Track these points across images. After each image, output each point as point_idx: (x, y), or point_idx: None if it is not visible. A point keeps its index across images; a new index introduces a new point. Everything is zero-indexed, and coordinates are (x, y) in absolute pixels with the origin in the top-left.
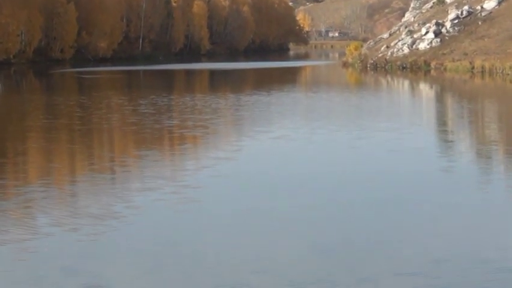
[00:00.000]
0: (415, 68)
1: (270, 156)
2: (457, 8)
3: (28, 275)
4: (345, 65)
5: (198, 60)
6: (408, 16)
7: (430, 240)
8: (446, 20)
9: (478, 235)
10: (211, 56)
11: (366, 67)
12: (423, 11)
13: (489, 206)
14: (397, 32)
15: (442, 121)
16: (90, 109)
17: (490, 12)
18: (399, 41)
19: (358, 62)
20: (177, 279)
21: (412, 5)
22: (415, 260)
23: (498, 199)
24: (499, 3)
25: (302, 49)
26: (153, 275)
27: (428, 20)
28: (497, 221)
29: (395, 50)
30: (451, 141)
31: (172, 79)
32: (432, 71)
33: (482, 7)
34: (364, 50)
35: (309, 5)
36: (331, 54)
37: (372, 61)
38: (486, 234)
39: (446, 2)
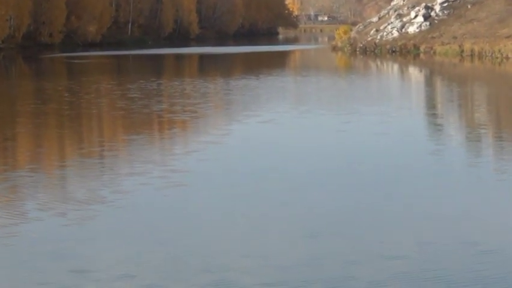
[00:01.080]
0: (404, 51)
1: (258, 141)
2: None
3: (14, 260)
4: (334, 49)
5: (187, 45)
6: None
7: (417, 223)
8: (436, 4)
9: (465, 218)
10: (200, 41)
11: (355, 51)
12: None
13: (477, 189)
14: (387, 15)
15: (431, 104)
16: (79, 94)
17: None
18: (388, 24)
19: (348, 45)
20: (164, 263)
21: None
22: (401, 242)
23: (486, 182)
24: None
25: (291, 33)
26: (140, 259)
27: (418, 4)
28: (484, 204)
29: (384, 33)
30: (440, 125)
31: (162, 64)
32: (421, 55)
33: None
34: (353, 34)
35: None
36: (320, 38)
37: (361, 45)
38: (473, 217)
39: None
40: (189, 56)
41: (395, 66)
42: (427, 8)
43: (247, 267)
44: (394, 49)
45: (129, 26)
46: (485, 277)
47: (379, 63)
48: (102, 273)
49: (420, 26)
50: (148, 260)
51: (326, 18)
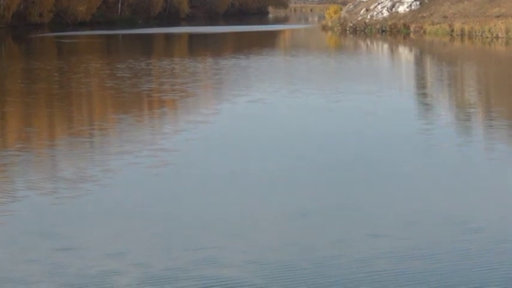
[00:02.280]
0: (394, 31)
1: (247, 120)
2: None
3: (3, 238)
4: (324, 28)
5: (177, 24)
6: None
7: (404, 202)
8: None
9: (452, 196)
10: (190, 20)
11: (345, 30)
12: None
13: (465, 168)
14: None
15: (420, 84)
16: (68, 73)
17: None
18: (379, 4)
19: (338, 25)
20: (152, 241)
21: None
22: (387, 221)
23: (474, 161)
24: None
25: (281, 13)
26: (128, 238)
27: None
28: (472, 182)
29: (374, 13)
30: (429, 104)
31: (151, 43)
32: (411, 34)
33: None
34: (343, 14)
35: None
36: (310, 18)
37: (351, 24)
38: (460, 196)
39: None
40: (179, 35)
41: (385, 46)
42: None
43: (236, 246)
44: (384, 29)
45: (119, 6)
46: (473, 255)
47: (369, 42)
48: (90, 251)
49: (410, 5)
50: (136, 238)
51: None
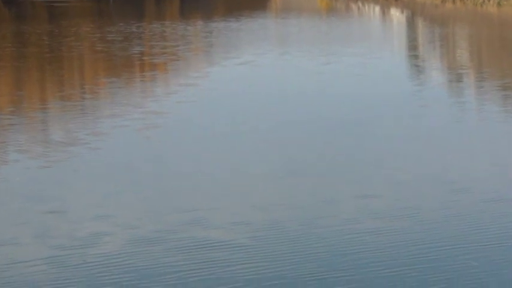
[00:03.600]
0: None
1: (237, 82)
2: None
3: None
4: None
5: None
6: None
7: (393, 163)
8: None
9: (442, 157)
10: None
11: None
12: None
13: (455, 129)
14: None
15: (412, 46)
16: (59, 37)
17: None
18: None
19: None
20: (139, 204)
21: None
22: (376, 182)
23: (465, 122)
24: None
25: None
26: (117, 200)
27: None
28: (462, 143)
29: None
30: (420, 66)
31: (142, 7)
32: None
33: None
34: None
35: None
36: None
37: None
38: (450, 156)
39: None
40: None
41: (377, 8)
42: None
43: (224, 207)
44: None
45: None
46: (459, 214)
47: (360, 5)
48: (79, 213)
49: None
50: (125, 201)
51: None
